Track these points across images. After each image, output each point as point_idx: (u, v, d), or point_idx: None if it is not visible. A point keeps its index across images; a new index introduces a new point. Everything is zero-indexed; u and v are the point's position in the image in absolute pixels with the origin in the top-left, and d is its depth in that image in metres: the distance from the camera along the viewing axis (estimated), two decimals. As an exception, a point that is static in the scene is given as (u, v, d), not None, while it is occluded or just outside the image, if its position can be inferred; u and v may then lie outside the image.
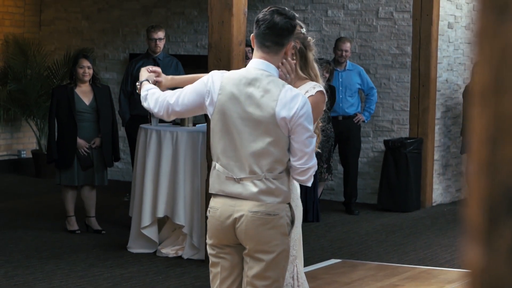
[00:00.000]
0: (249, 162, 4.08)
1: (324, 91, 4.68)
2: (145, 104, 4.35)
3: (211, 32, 7.46)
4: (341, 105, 10.67)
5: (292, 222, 4.20)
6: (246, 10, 7.53)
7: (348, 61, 10.81)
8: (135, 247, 8.26)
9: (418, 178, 11.06)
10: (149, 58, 9.80)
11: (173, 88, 4.45)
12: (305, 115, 4.06)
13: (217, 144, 4.16)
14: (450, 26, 11.65)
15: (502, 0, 1.28)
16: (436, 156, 11.51)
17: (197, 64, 11.28)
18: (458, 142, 11.88)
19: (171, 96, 4.24)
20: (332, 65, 10.38)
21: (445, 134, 11.74)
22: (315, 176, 4.38)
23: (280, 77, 4.29)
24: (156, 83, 4.52)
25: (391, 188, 10.91)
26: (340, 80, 10.70)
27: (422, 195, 11.21)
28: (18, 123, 13.13)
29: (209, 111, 4.18)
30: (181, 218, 7.94)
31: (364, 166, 11.39)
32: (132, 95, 9.75)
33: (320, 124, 4.78)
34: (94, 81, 8.96)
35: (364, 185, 11.41)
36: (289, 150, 4.11)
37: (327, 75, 10.23)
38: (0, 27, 12.90)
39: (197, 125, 8.40)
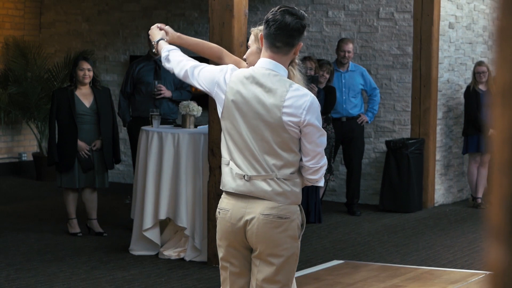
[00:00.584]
0: (259, 161, 4.06)
1: None
2: (166, 65, 4.42)
3: (212, 34, 7.45)
4: (344, 106, 10.64)
5: (303, 225, 4.18)
6: (247, 11, 7.51)
7: (350, 62, 10.78)
8: (137, 249, 8.24)
9: (420, 179, 11.04)
10: (150, 60, 9.76)
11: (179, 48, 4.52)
12: (314, 114, 4.03)
13: (228, 142, 4.14)
14: (451, 26, 11.63)
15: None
16: (437, 157, 11.50)
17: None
18: (459, 142, 11.86)
19: (192, 67, 4.27)
20: (332, 66, 10.36)
21: (447, 135, 11.72)
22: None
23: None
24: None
25: (393, 189, 10.89)
26: (343, 81, 10.67)
27: (424, 195, 11.19)
28: (18, 126, 13.12)
29: (218, 109, 4.20)
30: (183, 220, 7.93)
31: (366, 167, 11.37)
32: (132, 97, 9.73)
33: None
34: (95, 83, 8.94)
35: (366, 186, 11.39)
36: (300, 150, 4.08)
37: (327, 76, 10.21)
38: (0, 29, 12.89)
39: (198, 127, 8.38)
